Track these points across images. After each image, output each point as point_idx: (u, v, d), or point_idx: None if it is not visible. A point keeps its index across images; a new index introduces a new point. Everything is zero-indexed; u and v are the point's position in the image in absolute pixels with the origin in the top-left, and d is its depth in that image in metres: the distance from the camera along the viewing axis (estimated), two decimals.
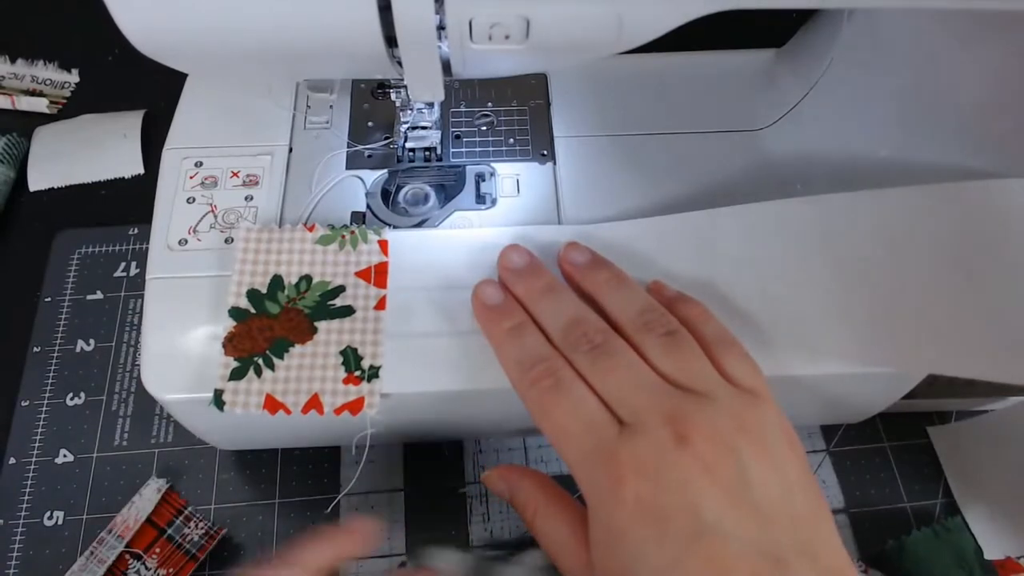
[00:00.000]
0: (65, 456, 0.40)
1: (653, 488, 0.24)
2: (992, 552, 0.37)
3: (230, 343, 0.31)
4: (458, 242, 0.34)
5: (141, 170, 0.49)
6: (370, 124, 0.40)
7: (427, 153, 0.39)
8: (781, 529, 0.24)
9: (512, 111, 0.41)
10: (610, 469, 0.24)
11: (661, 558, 0.23)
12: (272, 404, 0.30)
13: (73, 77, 0.53)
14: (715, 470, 0.24)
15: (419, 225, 0.36)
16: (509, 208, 0.37)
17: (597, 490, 0.25)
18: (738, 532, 0.23)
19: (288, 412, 0.30)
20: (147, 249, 0.34)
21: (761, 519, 0.24)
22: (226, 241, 0.34)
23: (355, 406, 0.30)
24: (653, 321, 0.28)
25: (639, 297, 0.29)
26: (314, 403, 0.30)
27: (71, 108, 0.52)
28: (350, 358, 0.31)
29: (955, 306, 0.32)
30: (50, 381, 0.43)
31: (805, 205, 0.34)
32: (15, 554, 0.38)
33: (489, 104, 0.41)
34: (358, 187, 0.37)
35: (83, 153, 0.49)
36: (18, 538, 0.38)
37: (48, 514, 0.39)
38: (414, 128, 0.38)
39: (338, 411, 0.30)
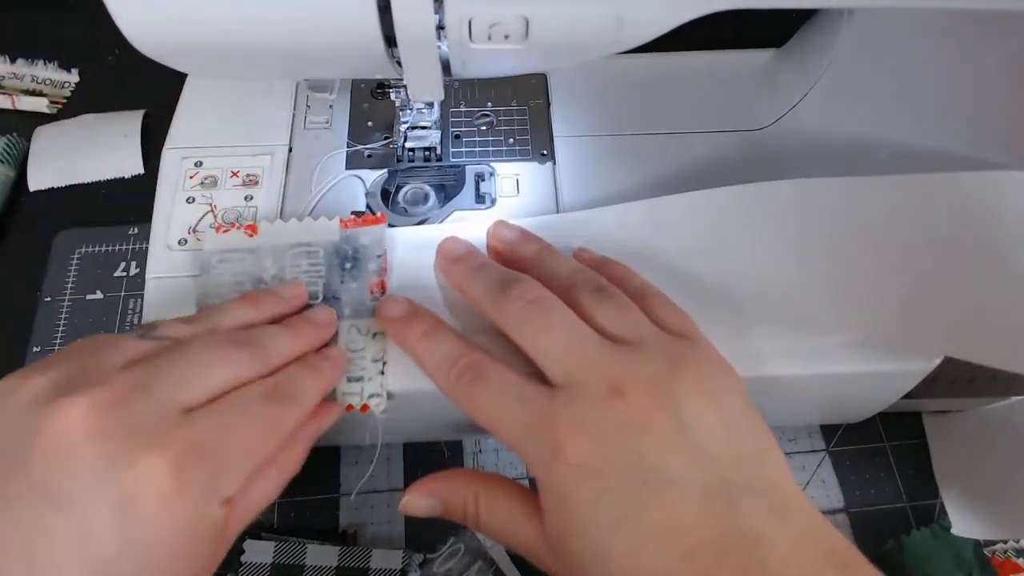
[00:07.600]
0: None
1: (591, 445, 0.24)
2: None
3: None
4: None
5: (141, 170, 0.49)
6: (370, 124, 0.40)
7: (427, 153, 0.39)
8: (727, 468, 0.24)
9: (512, 111, 0.41)
10: (549, 434, 0.24)
11: (610, 514, 0.23)
12: None
13: (73, 77, 0.53)
14: (652, 418, 0.24)
15: (418, 225, 0.36)
16: (509, 208, 0.37)
17: (540, 458, 0.25)
18: (682, 477, 0.23)
19: None
20: (147, 249, 0.34)
21: (705, 461, 0.24)
22: None
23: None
24: (584, 281, 0.29)
25: (569, 262, 0.31)
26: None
27: (71, 108, 0.52)
28: None
29: (966, 294, 0.32)
30: None
31: (807, 191, 0.34)
32: None
33: (489, 104, 0.41)
34: (358, 187, 0.37)
35: (83, 153, 0.49)
36: None
37: None
38: (414, 128, 0.38)
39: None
